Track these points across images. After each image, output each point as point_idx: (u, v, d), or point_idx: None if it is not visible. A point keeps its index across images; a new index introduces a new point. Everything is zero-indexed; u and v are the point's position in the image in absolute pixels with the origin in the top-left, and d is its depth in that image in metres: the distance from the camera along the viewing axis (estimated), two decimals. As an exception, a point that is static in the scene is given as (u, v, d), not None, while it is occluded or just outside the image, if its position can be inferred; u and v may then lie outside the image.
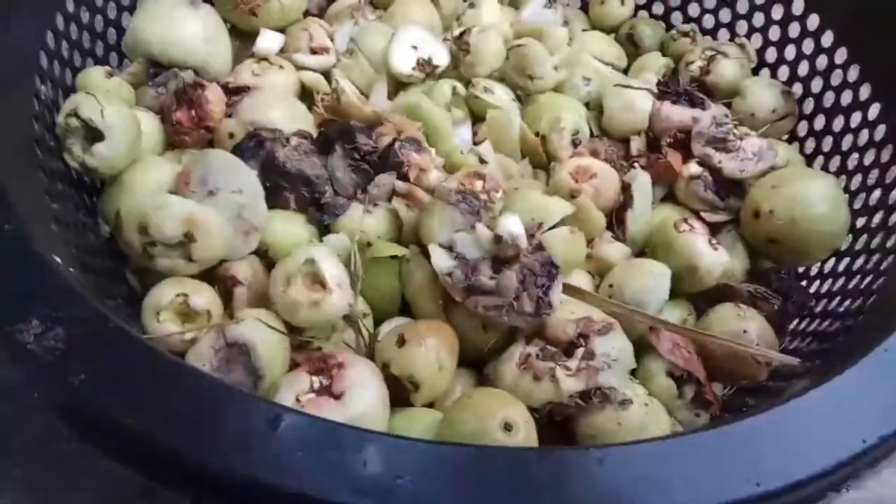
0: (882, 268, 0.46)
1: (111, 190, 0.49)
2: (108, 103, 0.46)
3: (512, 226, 0.44)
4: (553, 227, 0.48)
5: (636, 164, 0.56)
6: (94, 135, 0.46)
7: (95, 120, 0.46)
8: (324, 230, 0.50)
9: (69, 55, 0.51)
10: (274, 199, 0.49)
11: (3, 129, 0.39)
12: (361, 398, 0.41)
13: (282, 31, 0.59)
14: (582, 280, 0.49)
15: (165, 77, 0.51)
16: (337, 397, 0.41)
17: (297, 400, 0.41)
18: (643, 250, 0.53)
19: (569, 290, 0.46)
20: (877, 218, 0.50)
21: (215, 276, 0.47)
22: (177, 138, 0.52)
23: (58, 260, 0.34)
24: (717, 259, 0.49)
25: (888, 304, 0.42)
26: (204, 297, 0.45)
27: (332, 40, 0.59)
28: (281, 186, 0.50)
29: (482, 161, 0.54)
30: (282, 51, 0.58)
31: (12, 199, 0.34)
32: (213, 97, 0.51)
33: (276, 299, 0.44)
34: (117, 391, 0.29)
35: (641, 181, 0.52)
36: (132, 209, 0.44)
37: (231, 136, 0.51)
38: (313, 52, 0.58)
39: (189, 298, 0.44)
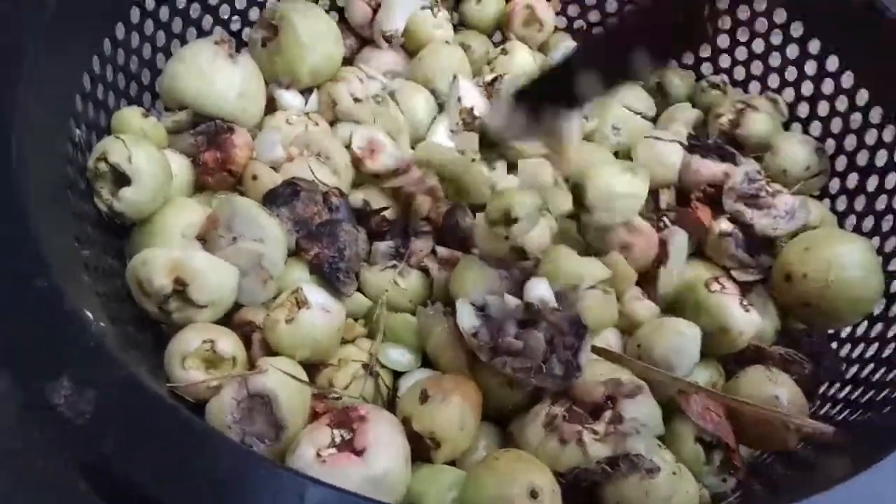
0: (919, 338, 0.45)
1: (140, 231, 0.49)
2: (136, 148, 0.46)
3: (542, 291, 0.43)
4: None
5: (665, 218, 0.55)
6: (122, 179, 0.46)
7: (123, 165, 0.46)
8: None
9: (104, 96, 0.51)
10: (297, 250, 0.50)
11: (39, 175, 0.39)
12: (384, 456, 0.41)
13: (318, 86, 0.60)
14: (611, 338, 0.49)
15: (207, 127, 0.52)
16: (358, 453, 0.41)
17: (318, 455, 0.40)
18: (672, 307, 0.52)
19: (598, 351, 0.46)
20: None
21: (233, 322, 0.47)
22: (202, 179, 0.52)
23: (90, 315, 0.34)
24: (749, 321, 0.48)
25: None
26: (230, 343, 0.45)
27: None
28: (306, 240, 0.49)
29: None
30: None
31: (46, 253, 0.34)
32: (240, 142, 0.52)
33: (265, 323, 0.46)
34: (147, 461, 0.28)
35: (679, 239, 0.52)
36: (128, 273, 0.45)
37: (255, 178, 0.52)
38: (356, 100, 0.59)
39: (216, 344, 0.44)
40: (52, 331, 0.32)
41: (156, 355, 0.44)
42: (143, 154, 0.47)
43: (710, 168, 0.56)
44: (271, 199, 0.50)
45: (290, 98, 0.57)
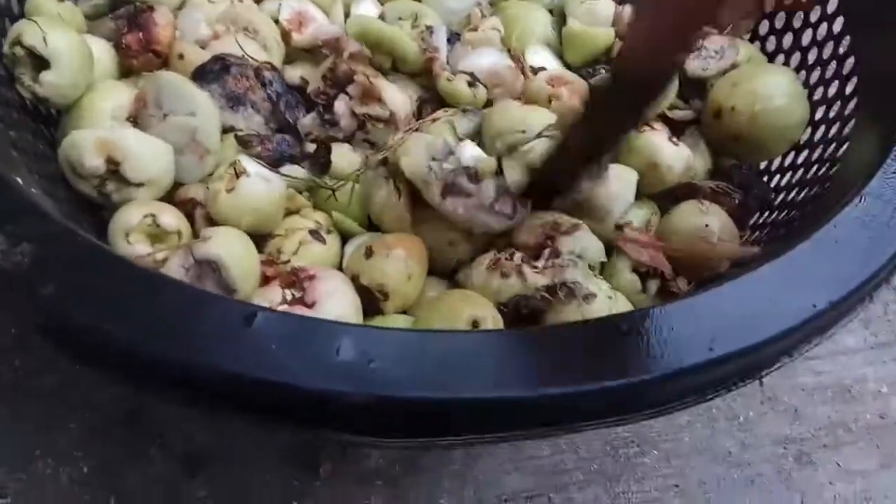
0: (838, 155, 0.47)
1: (68, 116, 0.48)
2: (52, 29, 0.45)
3: (474, 151, 0.44)
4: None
5: (602, 69, 0.56)
6: (41, 63, 0.45)
7: (39, 47, 0.45)
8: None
9: (13, -19, 0.49)
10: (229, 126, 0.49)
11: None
12: (334, 305, 0.42)
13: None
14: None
15: (126, 10, 0.50)
16: (310, 306, 0.42)
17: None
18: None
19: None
20: (834, 109, 0.51)
21: (174, 201, 0.48)
22: (126, 62, 0.51)
23: (19, 181, 0.34)
24: (677, 155, 0.49)
25: (840, 186, 0.43)
26: (173, 216, 0.45)
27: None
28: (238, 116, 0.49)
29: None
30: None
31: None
32: (162, 20, 0.50)
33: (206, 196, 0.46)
34: (90, 300, 0.29)
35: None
36: (60, 157, 0.44)
37: (181, 56, 0.50)
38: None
39: (158, 218, 0.44)
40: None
41: (97, 236, 0.44)
42: (59, 35, 0.45)
43: (640, 16, 0.56)
44: (201, 76, 0.49)
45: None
